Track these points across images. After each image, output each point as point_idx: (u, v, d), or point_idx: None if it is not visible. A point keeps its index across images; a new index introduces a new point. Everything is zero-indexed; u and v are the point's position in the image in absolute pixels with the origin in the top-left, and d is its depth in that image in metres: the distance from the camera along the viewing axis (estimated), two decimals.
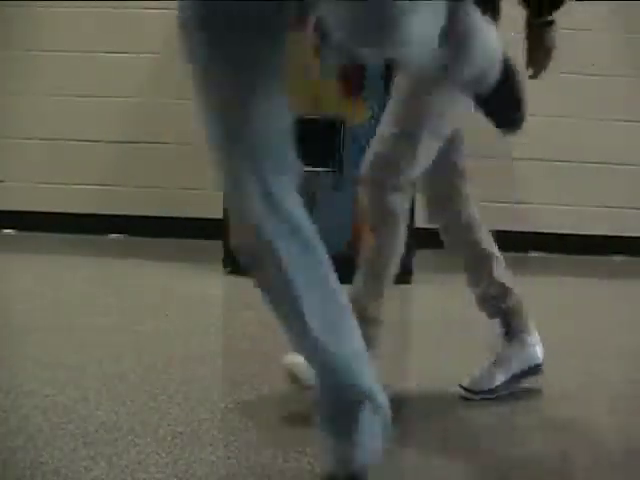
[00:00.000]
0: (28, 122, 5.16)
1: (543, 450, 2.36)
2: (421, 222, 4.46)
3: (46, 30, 5.09)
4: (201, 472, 2.14)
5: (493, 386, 2.75)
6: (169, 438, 2.33)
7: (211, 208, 4.68)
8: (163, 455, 2.22)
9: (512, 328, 2.84)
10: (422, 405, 2.74)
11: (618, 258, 5.16)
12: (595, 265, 4.98)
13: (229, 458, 2.24)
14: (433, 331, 3.61)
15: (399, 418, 2.62)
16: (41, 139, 5.17)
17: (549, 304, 4.14)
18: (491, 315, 2.87)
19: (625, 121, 5.15)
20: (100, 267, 4.48)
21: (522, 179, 5.22)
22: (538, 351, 2.86)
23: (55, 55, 5.10)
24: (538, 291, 4.44)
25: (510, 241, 5.22)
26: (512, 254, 5.14)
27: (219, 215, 4.40)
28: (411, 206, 4.23)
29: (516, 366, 2.80)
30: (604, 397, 2.85)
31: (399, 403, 2.81)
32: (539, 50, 2.72)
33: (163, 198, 5.17)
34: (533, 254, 5.17)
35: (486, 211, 5.20)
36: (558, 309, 4.04)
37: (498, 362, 2.79)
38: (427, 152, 2.71)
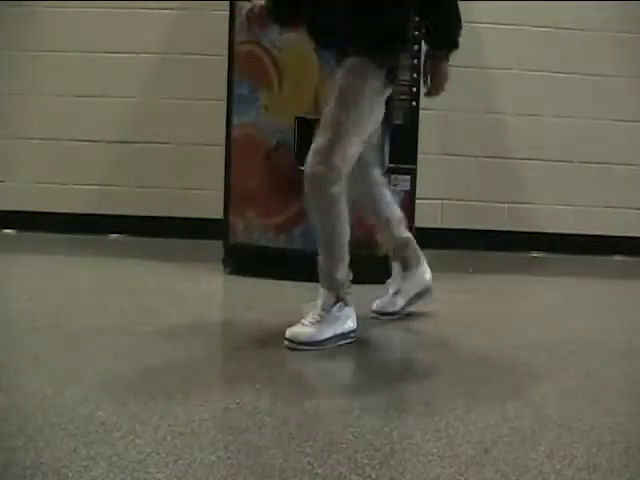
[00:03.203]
0: (28, 122, 5.16)
1: (543, 450, 2.36)
2: (421, 222, 4.48)
3: (46, 30, 5.09)
4: (201, 472, 2.14)
5: (397, 309, 3.64)
6: (169, 438, 2.33)
7: (211, 208, 4.68)
8: (163, 455, 2.22)
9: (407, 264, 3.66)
10: (422, 401, 2.74)
11: (618, 258, 5.16)
12: (595, 265, 4.98)
13: (229, 458, 2.24)
14: (433, 330, 3.61)
15: (398, 417, 2.62)
16: (41, 139, 5.18)
17: (549, 304, 4.14)
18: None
19: (625, 121, 5.15)
20: (100, 267, 4.48)
21: (522, 179, 5.22)
22: (427, 277, 3.71)
23: (55, 55, 5.10)
24: (538, 291, 4.45)
25: (510, 241, 5.24)
26: (512, 254, 5.17)
27: (219, 215, 4.41)
28: (412, 206, 4.27)
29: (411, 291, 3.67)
30: (604, 397, 2.85)
31: (399, 399, 2.81)
32: (435, 77, 3.31)
33: (163, 198, 5.17)
34: (533, 254, 5.18)
35: (486, 211, 5.24)
36: (558, 309, 4.04)
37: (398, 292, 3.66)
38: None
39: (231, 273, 4.28)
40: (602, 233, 5.21)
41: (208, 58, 4.94)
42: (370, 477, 2.15)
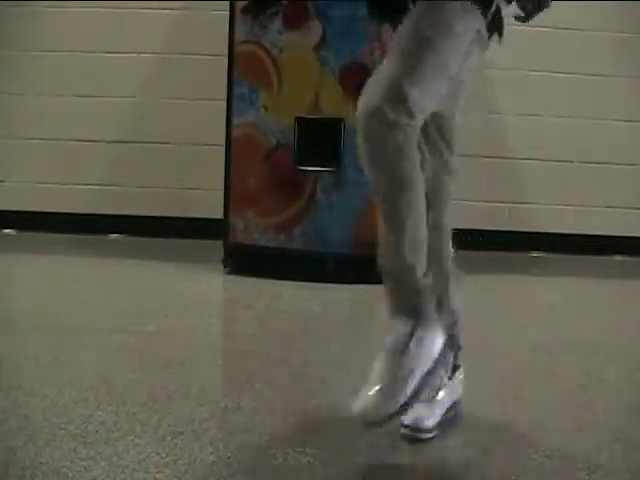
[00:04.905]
0: (28, 122, 5.16)
1: (543, 450, 2.36)
2: None
3: (46, 30, 5.09)
4: (201, 472, 2.14)
5: None
6: (169, 438, 2.33)
7: (211, 208, 4.68)
8: (163, 455, 2.22)
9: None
10: None
11: (618, 258, 5.16)
12: (595, 265, 4.98)
13: (229, 458, 2.24)
14: None
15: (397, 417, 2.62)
16: (41, 139, 5.17)
17: (549, 304, 4.14)
18: None
19: (625, 121, 5.15)
20: (100, 267, 4.48)
21: (522, 179, 5.22)
22: None
23: (55, 55, 5.10)
24: (538, 291, 4.45)
25: (510, 241, 5.23)
26: (512, 254, 5.16)
27: (219, 215, 4.40)
28: None
29: None
30: (604, 397, 2.85)
31: None
32: None
33: (163, 198, 5.17)
34: (533, 254, 5.17)
35: (487, 211, 5.24)
36: (558, 309, 4.04)
37: None
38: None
39: (231, 273, 4.28)
40: (602, 233, 5.20)
41: (208, 58, 4.94)
42: (370, 477, 2.15)
